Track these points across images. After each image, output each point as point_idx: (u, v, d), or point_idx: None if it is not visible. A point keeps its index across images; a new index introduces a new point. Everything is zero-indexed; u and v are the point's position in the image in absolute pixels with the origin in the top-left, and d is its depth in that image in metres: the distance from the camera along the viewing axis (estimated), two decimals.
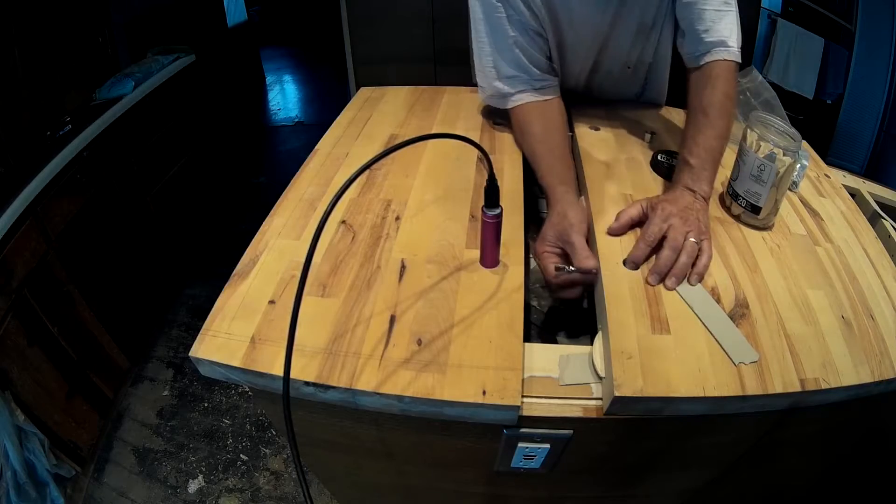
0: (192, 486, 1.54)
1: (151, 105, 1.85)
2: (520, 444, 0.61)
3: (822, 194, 0.93)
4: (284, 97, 4.04)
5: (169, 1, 2.27)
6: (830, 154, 1.91)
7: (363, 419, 0.62)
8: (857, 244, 0.80)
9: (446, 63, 1.98)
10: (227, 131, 2.82)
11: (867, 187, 0.96)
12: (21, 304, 1.27)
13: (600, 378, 0.59)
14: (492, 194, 0.61)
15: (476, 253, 0.69)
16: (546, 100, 0.92)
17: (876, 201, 0.93)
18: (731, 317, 0.63)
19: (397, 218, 0.76)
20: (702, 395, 0.54)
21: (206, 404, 1.78)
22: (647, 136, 0.99)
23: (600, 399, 0.58)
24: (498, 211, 0.63)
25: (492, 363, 0.56)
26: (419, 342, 0.58)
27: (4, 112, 1.41)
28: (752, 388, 0.55)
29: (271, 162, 3.18)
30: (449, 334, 0.59)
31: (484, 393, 0.53)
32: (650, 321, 0.61)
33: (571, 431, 0.59)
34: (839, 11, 1.85)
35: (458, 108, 1.06)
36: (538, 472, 0.67)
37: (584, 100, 1.10)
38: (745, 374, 0.57)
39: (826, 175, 0.98)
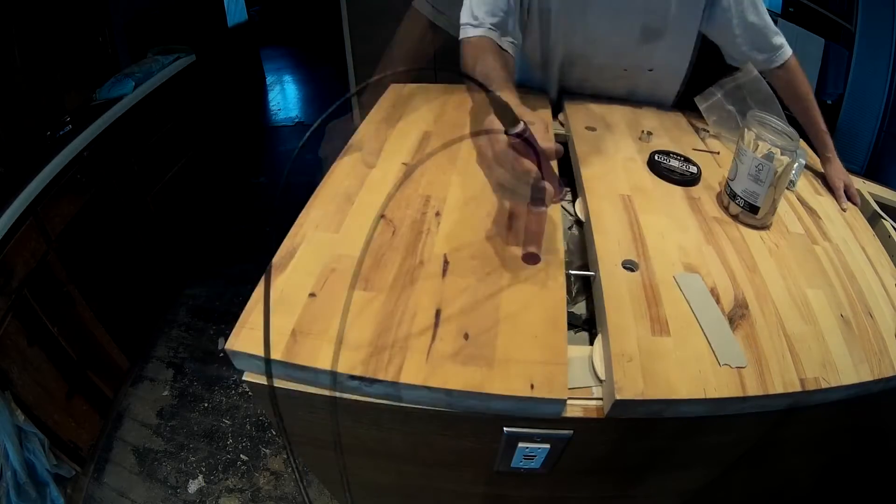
0: (193, 487, 1.54)
1: (152, 105, 1.85)
2: (520, 444, 0.61)
3: (820, 193, 0.93)
4: (285, 97, 4.04)
5: (169, 1, 2.27)
6: None
7: (363, 419, 0.62)
8: (855, 243, 0.80)
9: (447, 64, 1.98)
10: (228, 131, 2.82)
11: (867, 187, 0.96)
12: (21, 304, 1.27)
13: (600, 381, 0.59)
14: (506, 112, 0.52)
15: (517, 250, 0.69)
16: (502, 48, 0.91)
17: (876, 201, 0.93)
18: (731, 317, 0.63)
19: (437, 213, 0.76)
20: (703, 396, 0.54)
21: (206, 404, 1.78)
22: (644, 135, 0.98)
23: (600, 399, 0.58)
24: (521, 128, 0.52)
25: (538, 357, 0.56)
26: (466, 336, 0.58)
27: (4, 112, 1.41)
28: (753, 389, 0.55)
29: (271, 162, 3.18)
30: (495, 329, 0.59)
31: (532, 387, 0.53)
32: (650, 323, 0.61)
33: (571, 431, 0.59)
34: (839, 11, 1.85)
35: (489, 107, 1.05)
36: (538, 472, 0.67)
37: (580, 99, 1.10)
38: (745, 374, 0.57)
39: (823, 174, 0.98)
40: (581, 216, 0.82)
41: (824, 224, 0.83)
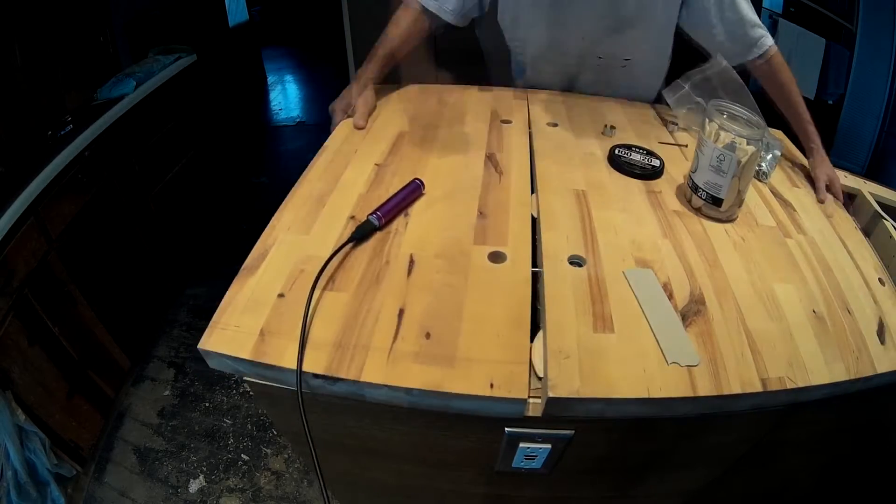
0: (193, 486, 1.54)
1: (153, 105, 1.85)
2: (521, 444, 0.61)
3: (797, 185, 0.90)
4: (286, 97, 4.04)
5: (170, 1, 2.27)
6: (832, 154, 1.89)
7: (364, 419, 0.62)
8: (833, 235, 0.78)
9: (447, 63, 1.98)
10: (229, 131, 2.82)
11: (868, 188, 0.95)
12: (22, 303, 1.27)
13: (539, 378, 0.57)
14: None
15: (483, 249, 0.69)
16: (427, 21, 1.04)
17: (877, 202, 0.93)
18: (684, 314, 0.61)
19: (406, 214, 0.76)
20: (646, 395, 0.53)
21: (207, 404, 1.78)
22: (607, 130, 0.97)
23: None
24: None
25: (500, 357, 0.56)
26: (427, 335, 0.58)
27: (5, 112, 1.41)
28: (705, 389, 0.53)
29: (273, 162, 3.18)
30: (457, 328, 0.59)
31: (492, 386, 0.53)
32: (593, 319, 0.60)
33: (573, 431, 0.59)
34: (840, 11, 1.85)
35: (465, 107, 1.05)
36: (539, 472, 0.67)
37: (545, 94, 1.09)
38: (696, 373, 0.55)
39: (803, 165, 0.97)
40: (535, 213, 0.82)
41: (799, 216, 0.81)
